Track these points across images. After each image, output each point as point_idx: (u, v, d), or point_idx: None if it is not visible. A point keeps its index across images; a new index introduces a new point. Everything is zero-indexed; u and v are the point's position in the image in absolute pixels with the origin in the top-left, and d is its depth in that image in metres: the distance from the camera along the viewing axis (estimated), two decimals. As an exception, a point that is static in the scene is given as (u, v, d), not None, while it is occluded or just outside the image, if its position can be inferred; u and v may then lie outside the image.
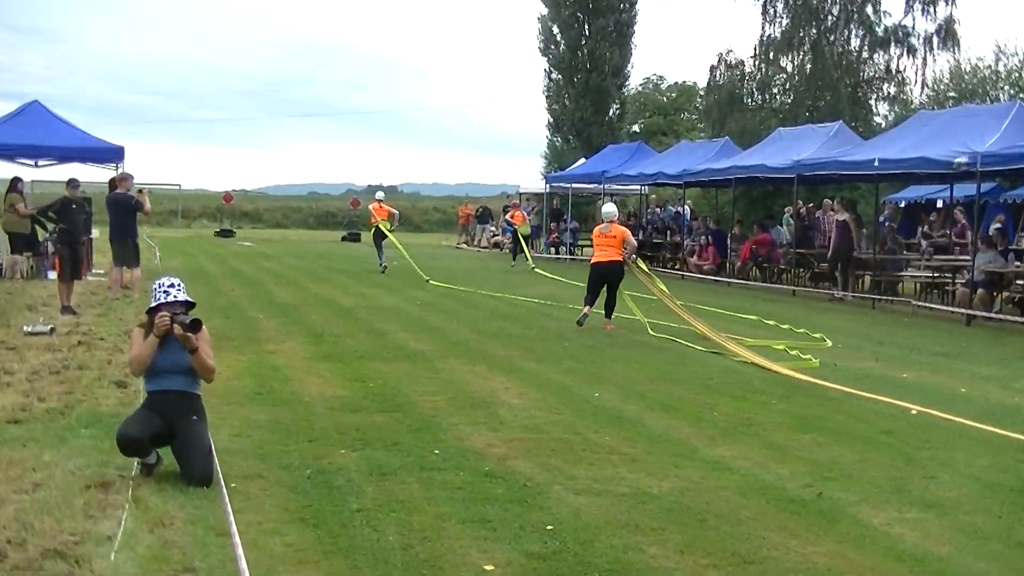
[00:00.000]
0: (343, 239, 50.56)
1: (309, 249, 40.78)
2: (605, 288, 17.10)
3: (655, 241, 35.44)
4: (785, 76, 47.26)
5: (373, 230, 30.93)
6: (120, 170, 23.37)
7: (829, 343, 15.71)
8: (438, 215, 72.66)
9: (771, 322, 18.25)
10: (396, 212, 32.16)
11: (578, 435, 8.99)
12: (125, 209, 19.04)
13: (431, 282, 25.39)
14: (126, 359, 7.28)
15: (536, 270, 31.51)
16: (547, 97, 59.13)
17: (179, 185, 67.21)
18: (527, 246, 35.22)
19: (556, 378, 12.00)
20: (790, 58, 46.60)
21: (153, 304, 7.32)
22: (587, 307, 16.97)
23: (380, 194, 33.50)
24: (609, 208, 17.88)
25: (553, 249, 41.00)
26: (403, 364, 12.60)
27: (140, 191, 19.44)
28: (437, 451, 8.22)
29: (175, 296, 7.38)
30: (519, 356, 13.58)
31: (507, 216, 41.93)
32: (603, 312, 17.04)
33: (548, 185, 43.13)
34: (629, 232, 17.82)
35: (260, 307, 18.51)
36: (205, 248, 39.51)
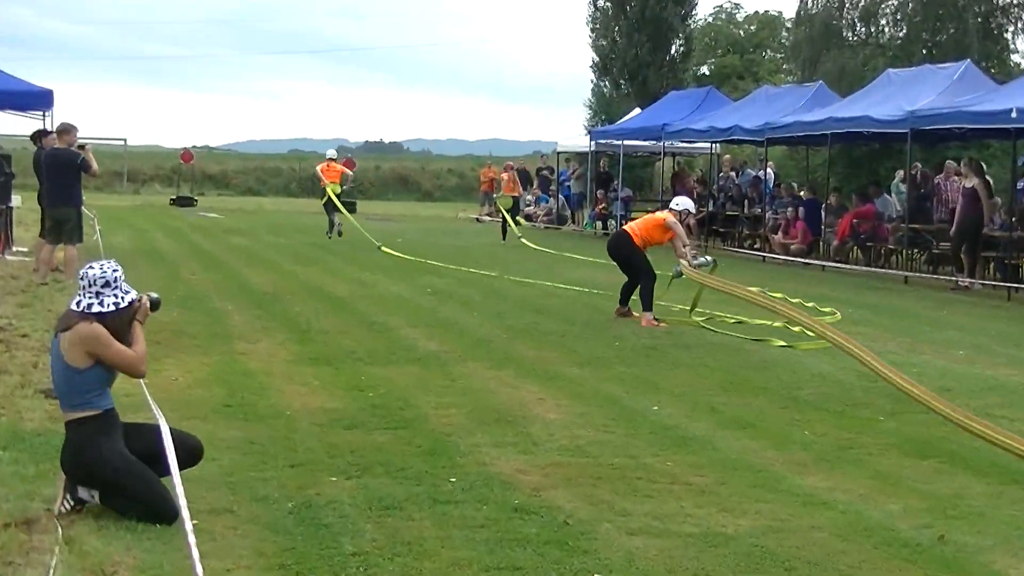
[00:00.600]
0: (335, 210, 50.75)
1: (291, 222, 40.87)
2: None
3: (729, 214, 35.39)
4: (896, 3, 47.03)
5: (324, 197, 32.82)
6: (49, 119, 23.42)
7: (839, 315, 15.65)
8: (454, 179, 72.95)
9: (795, 300, 18.20)
10: (350, 173, 34.81)
11: (632, 459, 8.97)
12: (68, 169, 18.92)
13: (383, 249, 27.58)
14: (125, 359, 7.25)
15: (523, 240, 32.55)
16: (592, 31, 58.99)
17: (124, 140, 67.50)
18: (510, 217, 35.63)
19: (603, 387, 11.99)
20: (903, -20, 46.39)
21: (128, 298, 7.40)
22: (619, 306, 17.50)
23: (332, 152, 35.62)
24: (677, 200, 18.18)
25: (600, 223, 40.89)
26: (411, 368, 12.63)
27: (82, 147, 19.47)
28: (454, 479, 8.22)
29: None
30: (556, 359, 13.59)
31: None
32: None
33: (593, 142, 42.98)
34: (679, 228, 17.44)
35: (229, 296, 18.59)
36: (158, 220, 39.74)
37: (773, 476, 8.62)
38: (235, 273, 22.40)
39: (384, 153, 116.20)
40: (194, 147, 65.87)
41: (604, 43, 57.82)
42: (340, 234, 32.01)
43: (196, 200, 53.46)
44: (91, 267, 7.40)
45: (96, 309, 7.27)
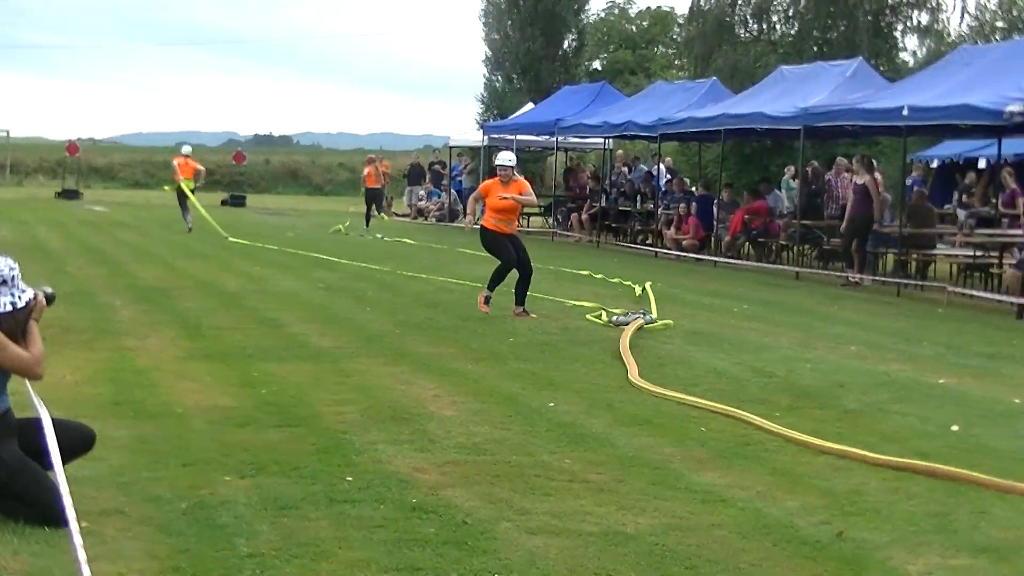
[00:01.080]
0: (224, 203, 50.38)
1: (180, 216, 40.39)
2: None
3: (622, 209, 35.47)
4: (788, 0, 47.43)
5: (176, 189, 34.88)
6: None
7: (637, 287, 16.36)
8: (345, 174, 72.57)
9: (599, 275, 18.34)
10: (202, 169, 36.71)
11: (530, 456, 8.93)
12: None
13: (231, 240, 28.88)
14: (22, 362, 7.02)
15: (377, 235, 34.32)
16: (485, 24, 59.08)
17: (7, 131, 66.41)
18: (373, 208, 38.62)
19: (500, 383, 11.95)
20: (794, -23, 46.81)
21: (25, 297, 7.09)
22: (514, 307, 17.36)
23: (187, 148, 38.15)
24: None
25: None
26: (304, 365, 12.50)
27: None
28: (350, 478, 8.13)
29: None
30: (452, 355, 13.52)
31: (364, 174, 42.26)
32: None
33: (486, 136, 42.89)
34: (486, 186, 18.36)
35: (117, 291, 18.36)
36: (43, 213, 39.17)
37: (672, 473, 8.62)
38: (123, 268, 22.11)
39: (274, 147, 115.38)
40: (79, 139, 64.75)
41: (497, 37, 57.88)
42: (190, 230, 32.80)
43: (82, 193, 52.87)
44: None
45: None
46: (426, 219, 44.58)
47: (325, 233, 34.38)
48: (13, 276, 7.06)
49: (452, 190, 44.81)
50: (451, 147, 48.37)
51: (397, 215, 47.30)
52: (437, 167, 47.71)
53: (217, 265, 23.27)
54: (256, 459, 8.52)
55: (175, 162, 35.11)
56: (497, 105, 55.87)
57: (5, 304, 6.99)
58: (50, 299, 7.41)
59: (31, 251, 23.94)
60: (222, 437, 9.19)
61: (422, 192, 47.00)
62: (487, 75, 59.26)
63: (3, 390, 7.13)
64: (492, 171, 41.16)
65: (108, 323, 15.10)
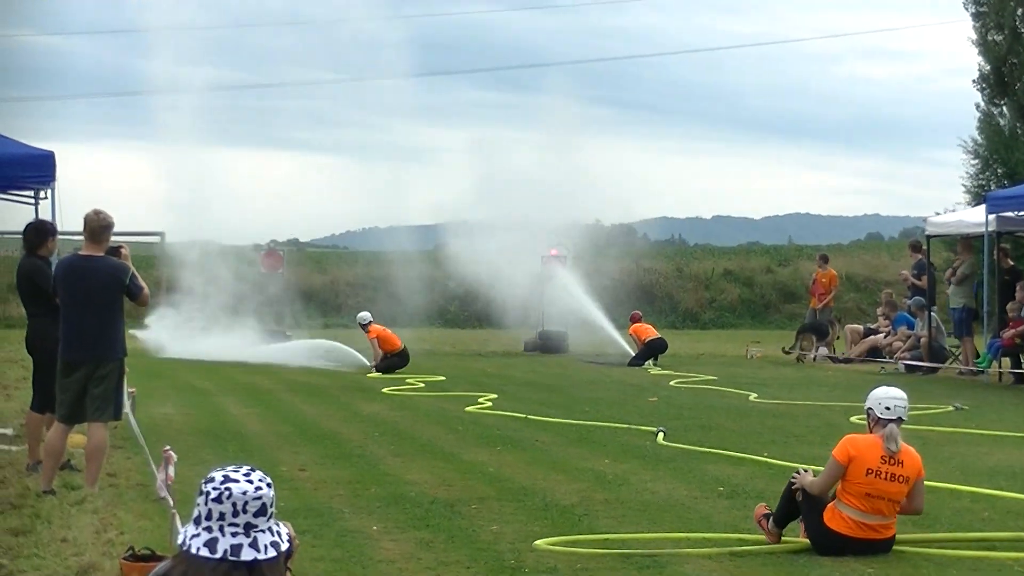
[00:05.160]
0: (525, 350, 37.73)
1: (461, 370, 30.45)
2: None
3: None
4: None
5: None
6: (47, 201, 17.40)
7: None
8: (735, 290, 54.46)
9: None
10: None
11: None
12: (105, 293, 12.98)
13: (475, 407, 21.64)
14: None
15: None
16: (977, 18, 43.60)
17: (161, 235, 45.08)
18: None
19: None
20: None
21: (285, 534, 5.06)
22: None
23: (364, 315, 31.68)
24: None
25: (1009, 359, 27.55)
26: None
27: (118, 250, 13.64)
28: None
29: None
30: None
31: None
32: None
33: (992, 215, 27.69)
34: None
35: (370, 506, 12.77)
36: (227, 374, 29.16)
37: None
38: (376, 465, 15.51)
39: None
40: (273, 243, 43.00)
41: (1000, 38, 42.45)
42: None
43: (290, 336, 37.30)
44: (228, 479, 4.92)
45: (248, 556, 4.85)
46: (893, 363, 30.52)
47: (717, 401, 23.73)
48: (273, 499, 5.07)
49: (928, 312, 30.09)
50: (929, 236, 31.99)
51: (833, 359, 33.71)
52: (910, 275, 33.01)
53: (531, 456, 16.20)
54: None
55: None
56: (1001, 155, 40.80)
57: (266, 547, 4.92)
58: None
59: (220, 441, 17.49)
60: None
61: (881, 318, 33.23)
62: (983, 104, 43.73)
63: None
64: (1004, 275, 28.67)
65: (365, 568, 10.30)
